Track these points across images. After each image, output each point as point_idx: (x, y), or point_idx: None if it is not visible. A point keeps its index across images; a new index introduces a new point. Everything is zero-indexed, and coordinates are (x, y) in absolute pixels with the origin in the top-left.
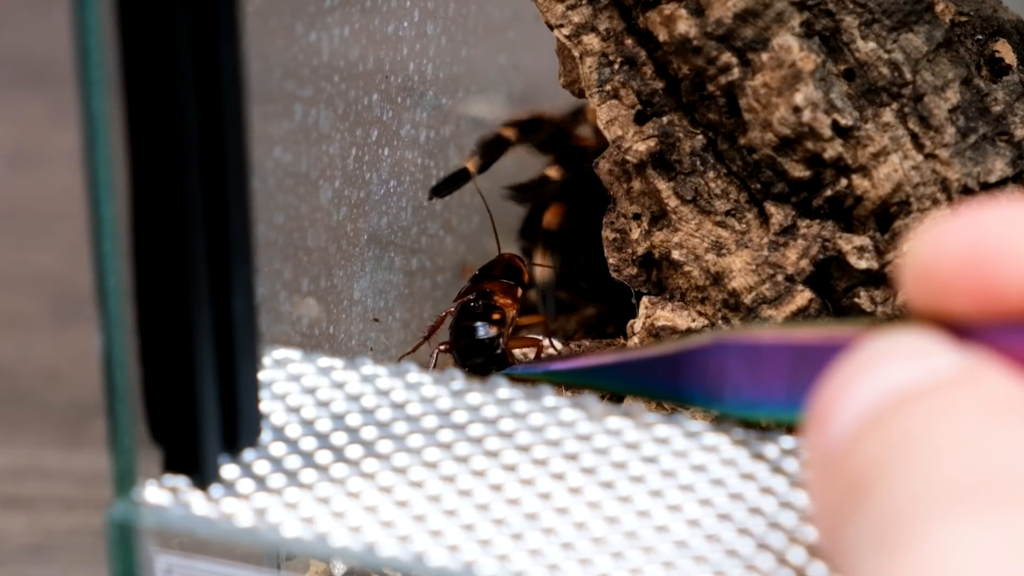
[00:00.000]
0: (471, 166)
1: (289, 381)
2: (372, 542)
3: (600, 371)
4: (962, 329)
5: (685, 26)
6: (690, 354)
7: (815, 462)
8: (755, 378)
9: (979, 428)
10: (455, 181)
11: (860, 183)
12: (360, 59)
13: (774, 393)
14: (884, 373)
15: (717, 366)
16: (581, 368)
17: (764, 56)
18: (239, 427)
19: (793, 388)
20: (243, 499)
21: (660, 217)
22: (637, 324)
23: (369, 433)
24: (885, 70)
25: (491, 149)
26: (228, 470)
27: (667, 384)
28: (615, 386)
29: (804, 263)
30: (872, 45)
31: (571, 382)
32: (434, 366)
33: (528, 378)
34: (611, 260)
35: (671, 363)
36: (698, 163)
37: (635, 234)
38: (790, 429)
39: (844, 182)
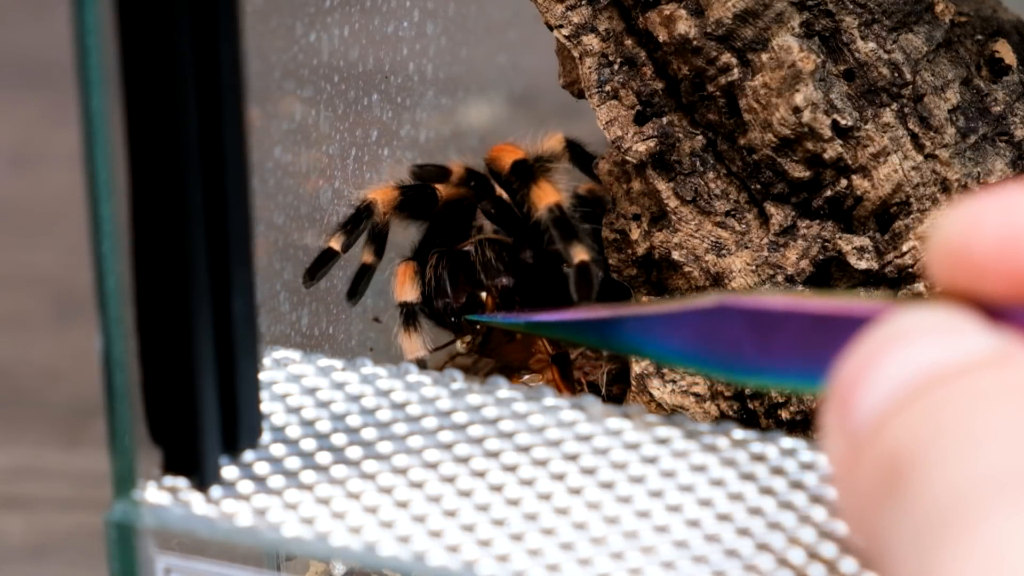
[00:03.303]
0: (335, 244)
1: (289, 381)
2: (372, 542)
3: (592, 326)
4: (991, 309)
5: (685, 26)
6: (691, 315)
7: (839, 441)
8: (762, 344)
9: (1020, 413)
10: (322, 262)
11: (860, 183)
12: (360, 59)
13: (783, 361)
14: (915, 350)
15: (720, 328)
16: (570, 321)
17: (764, 56)
18: (239, 428)
19: (807, 358)
20: (243, 499)
21: (660, 218)
22: None
23: (369, 433)
24: (885, 70)
25: (355, 222)
26: (228, 471)
27: (664, 344)
28: (605, 343)
29: (804, 263)
30: (872, 45)
31: (557, 335)
32: None
33: (508, 327)
34: (611, 261)
35: (670, 322)
36: (698, 163)
37: (635, 235)
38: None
39: (844, 182)
